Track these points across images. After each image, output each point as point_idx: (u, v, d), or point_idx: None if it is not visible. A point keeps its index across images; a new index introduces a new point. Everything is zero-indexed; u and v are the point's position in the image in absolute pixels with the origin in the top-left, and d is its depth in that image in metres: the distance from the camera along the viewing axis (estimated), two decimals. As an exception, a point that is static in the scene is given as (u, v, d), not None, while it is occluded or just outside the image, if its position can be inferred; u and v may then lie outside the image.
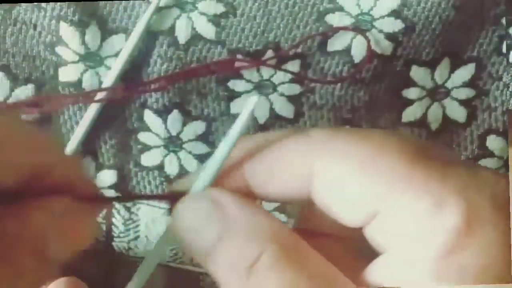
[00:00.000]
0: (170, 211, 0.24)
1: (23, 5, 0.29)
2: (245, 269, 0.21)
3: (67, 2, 0.29)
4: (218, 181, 0.24)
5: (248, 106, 0.23)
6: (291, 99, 0.30)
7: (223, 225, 0.22)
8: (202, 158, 0.32)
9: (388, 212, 0.22)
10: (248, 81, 0.30)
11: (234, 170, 0.24)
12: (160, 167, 0.32)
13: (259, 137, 0.24)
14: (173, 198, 0.23)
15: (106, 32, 0.29)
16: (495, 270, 0.20)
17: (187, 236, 0.23)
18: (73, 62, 0.30)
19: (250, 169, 0.23)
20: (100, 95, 0.30)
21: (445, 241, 0.20)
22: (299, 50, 0.29)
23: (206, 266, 0.23)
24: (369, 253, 0.23)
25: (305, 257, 0.22)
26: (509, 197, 0.22)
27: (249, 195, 0.24)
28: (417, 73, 0.30)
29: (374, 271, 0.22)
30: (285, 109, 0.30)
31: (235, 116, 0.31)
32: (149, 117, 0.31)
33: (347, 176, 0.22)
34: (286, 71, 0.29)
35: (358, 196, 0.22)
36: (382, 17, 0.28)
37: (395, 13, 0.28)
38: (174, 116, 0.31)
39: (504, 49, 0.29)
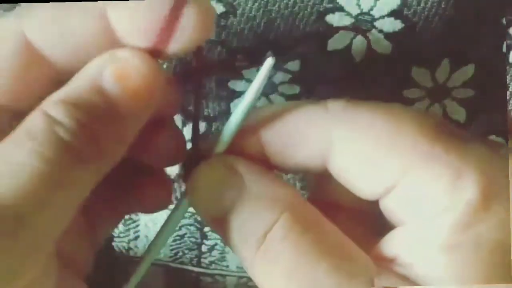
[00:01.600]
0: (186, 176, 0.24)
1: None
2: (258, 236, 0.22)
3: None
4: (236, 148, 0.23)
5: (264, 68, 0.23)
6: (291, 99, 0.30)
7: (238, 192, 0.22)
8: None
9: (407, 185, 0.22)
10: (248, 81, 0.30)
11: (251, 138, 0.24)
12: (160, 167, 0.32)
13: (277, 106, 0.24)
14: (191, 163, 0.24)
15: (106, 32, 0.29)
16: (510, 247, 0.20)
17: (202, 201, 0.23)
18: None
19: (268, 138, 0.23)
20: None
21: (461, 214, 0.21)
22: (299, 50, 0.29)
23: (219, 232, 0.23)
24: (381, 227, 0.23)
25: (319, 227, 0.22)
26: None
27: (266, 164, 0.24)
28: (417, 73, 0.30)
29: (389, 242, 0.22)
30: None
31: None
32: (149, 117, 0.31)
33: (366, 149, 0.22)
34: (286, 71, 0.29)
35: (376, 169, 0.22)
36: (382, 17, 0.28)
37: (395, 13, 0.28)
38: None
39: (504, 49, 0.29)
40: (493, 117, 0.31)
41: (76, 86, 0.20)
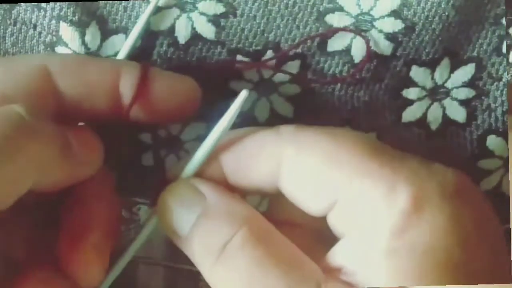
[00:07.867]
0: (155, 200, 0.26)
1: (23, 5, 0.29)
2: (217, 248, 0.24)
3: (67, 2, 0.29)
4: (200, 172, 0.26)
5: (238, 100, 0.25)
6: (291, 99, 0.30)
7: (201, 210, 0.24)
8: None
9: (347, 200, 0.24)
10: (248, 81, 0.30)
11: (213, 161, 0.26)
12: (160, 167, 0.32)
13: (236, 132, 0.27)
14: (158, 187, 0.26)
15: (106, 32, 0.29)
16: (444, 253, 0.22)
17: (169, 219, 0.25)
18: (73, 62, 0.30)
19: (226, 161, 0.26)
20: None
21: (396, 221, 0.23)
22: (299, 50, 0.29)
23: (184, 247, 0.25)
24: (331, 242, 0.25)
25: (274, 240, 0.24)
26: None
27: (226, 186, 0.26)
28: (417, 73, 0.30)
29: (335, 254, 0.24)
30: (285, 109, 0.30)
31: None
32: (149, 117, 0.31)
33: (311, 167, 0.24)
34: (285, 72, 0.29)
35: (320, 186, 0.24)
36: (382, 17, 0.28)
37: (395, 13, 0.28)
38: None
39: (504, 49, 0.29)
40: (493, 117, 0.31)
41: None
